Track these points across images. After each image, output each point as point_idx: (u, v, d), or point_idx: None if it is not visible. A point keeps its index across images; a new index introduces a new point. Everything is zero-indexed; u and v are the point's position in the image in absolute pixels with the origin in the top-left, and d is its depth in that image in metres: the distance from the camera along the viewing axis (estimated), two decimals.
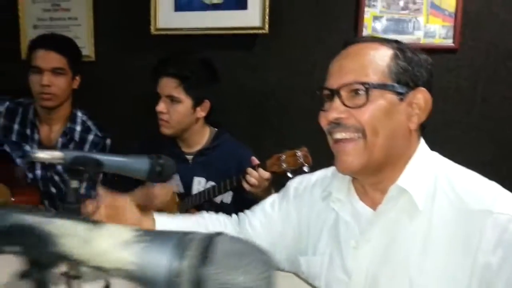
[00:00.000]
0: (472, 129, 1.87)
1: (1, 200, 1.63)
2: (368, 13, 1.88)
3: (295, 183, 1.12)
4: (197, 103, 1.63)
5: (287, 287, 1.00)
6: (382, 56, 0.86)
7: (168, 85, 1.60)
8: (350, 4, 1.91)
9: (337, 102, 0.85)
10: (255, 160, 1.44)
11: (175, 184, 1.66)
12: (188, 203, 1.62)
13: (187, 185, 1.68)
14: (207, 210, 1.59)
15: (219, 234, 0.30)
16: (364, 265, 0.88)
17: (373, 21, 1.89)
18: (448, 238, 0.80)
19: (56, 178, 1.78)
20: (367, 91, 0.82)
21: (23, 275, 0.32)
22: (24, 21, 2.35)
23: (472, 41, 1.83)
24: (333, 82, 0.87)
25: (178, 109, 1.61)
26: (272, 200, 1.16)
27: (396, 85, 0.84)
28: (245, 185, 1.44)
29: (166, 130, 1.65)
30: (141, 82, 2.18)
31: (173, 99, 1.60)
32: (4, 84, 2.24)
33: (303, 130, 2.02)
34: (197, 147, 1.71)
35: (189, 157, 1.70)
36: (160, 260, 0.29)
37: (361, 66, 0.85)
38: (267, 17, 1.94)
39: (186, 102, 1.61)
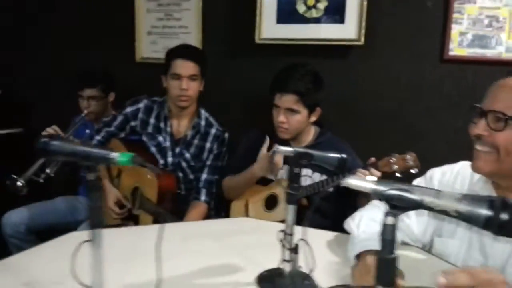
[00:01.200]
0: None
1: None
2: (455, 29, 2.14)
3: (438, 175, 1.33)
4: (311, 111, 1.92)
5: (413, 258, 1.30)
6: None
7: (289, 100, 1.87)
8: (439, 21, 2.16)
9: (482, 122, 1.08)
10: (372, 159, 1.71)
11: (285, 175, 1.97)
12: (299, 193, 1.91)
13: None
14: (315, 199, 1.90)
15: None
16: (500, 252, 1.13)
17: (459, 36, 2.14)
18: None
19: (184, 164, 2.12)
20: (506, 121, 1.04)
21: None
22: (140, 29, 2.72)
23: None
24: (486, 104, 1.09)
25: (297, 118, 1.90)
26: None
27: None
28: None
29: (285, 136, 1.95)
30: (245, 87, 2.51)
31: (292, 111, 1.89)
32: (121, 84, 2.61)
33: (390, 133, 2.30)
34: (304, 143, 2.00)
35: None
36: (480, 209, 0.59)
37: (510, 99, 1.05)
38: (363, 31, 2.22)
39: (303, 112, 1.90)
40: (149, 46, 2.72)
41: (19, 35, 3.02)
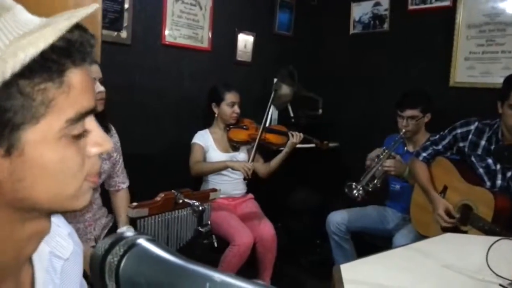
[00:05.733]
0: None
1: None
2: None
3: None
4: None
5: None
6: None
7: None
8: None
9: None
10: None
11: None
12: None
13: None
14: None
15: None
16: None
17: None
18: None
19: None
20: None
21: None
22: (457, 54, 2.83)
23: None
24: None
25: None
26: None
27: None
28: None
29: None
30: None
31: None
32: (438, 105, 2.73)
33: None
34: None
35: None
36: None
37: None
38: None
39: None
40: (465, 71, 2.81)
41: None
